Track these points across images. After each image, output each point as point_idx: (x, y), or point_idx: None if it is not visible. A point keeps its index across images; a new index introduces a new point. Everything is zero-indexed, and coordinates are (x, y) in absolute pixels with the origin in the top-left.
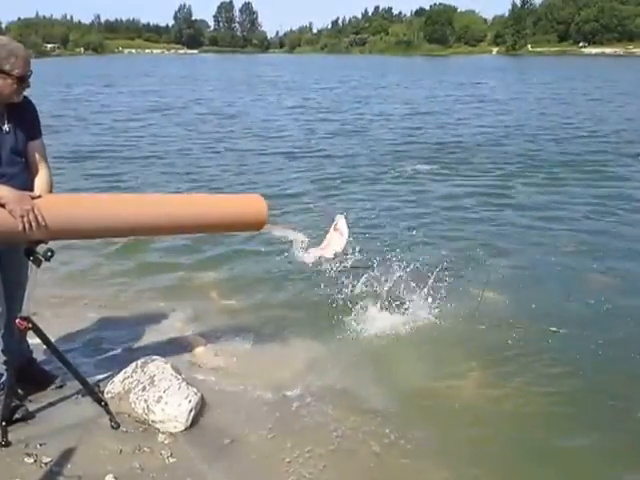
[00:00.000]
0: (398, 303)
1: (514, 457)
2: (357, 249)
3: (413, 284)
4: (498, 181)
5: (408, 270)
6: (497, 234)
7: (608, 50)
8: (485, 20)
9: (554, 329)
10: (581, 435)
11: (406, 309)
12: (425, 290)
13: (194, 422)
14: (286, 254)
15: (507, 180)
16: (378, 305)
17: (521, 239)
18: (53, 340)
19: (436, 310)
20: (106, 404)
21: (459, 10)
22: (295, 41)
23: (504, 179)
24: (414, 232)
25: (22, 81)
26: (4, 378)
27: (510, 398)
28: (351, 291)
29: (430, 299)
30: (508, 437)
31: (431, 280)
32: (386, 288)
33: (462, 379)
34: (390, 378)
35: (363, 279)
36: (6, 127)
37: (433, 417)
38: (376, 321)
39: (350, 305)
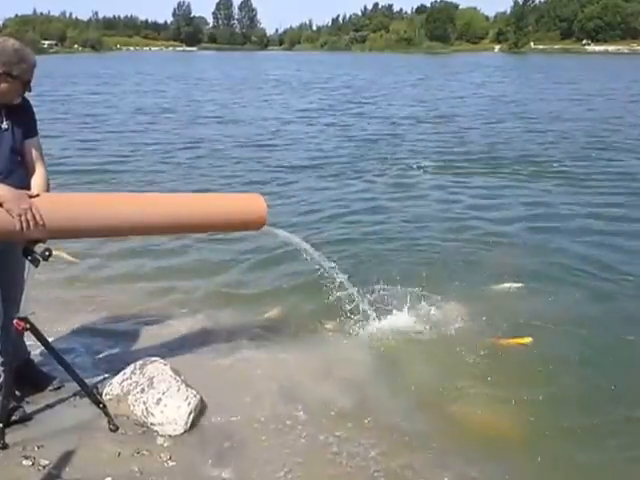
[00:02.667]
0: (412, 308)
1: None
2: (370, 253)
3: (426, 290)
4: (531, 190)
5: (423, 275)
6: (518, 240)
7: (612, 48)
8: (487, 17)
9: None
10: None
11: (422, 316)
12: (440, 296)
13: (193, 425)
14: (287, 255)
15: (544, 186)
16: (394, 311)
17: (542, 248)
18: (51, 341)
19: (456, 317)
20: (104, 406)
21: (460, 7)
22: (295, 38)
23: (542, 187)
24: (436, 241)
25: (26, 85)
26: (1, 379)
27: (542, 415)
28: (361, 294)
29: (448, 306)
30: (552, 462)
31: (447, 286)
32: (397, 293)
33: (500, 400)
34: (405, 387)
35: (378, 282)
36: (4, 124)
37: (469, 443)
38: (393, 327)
39: (361, 309)
